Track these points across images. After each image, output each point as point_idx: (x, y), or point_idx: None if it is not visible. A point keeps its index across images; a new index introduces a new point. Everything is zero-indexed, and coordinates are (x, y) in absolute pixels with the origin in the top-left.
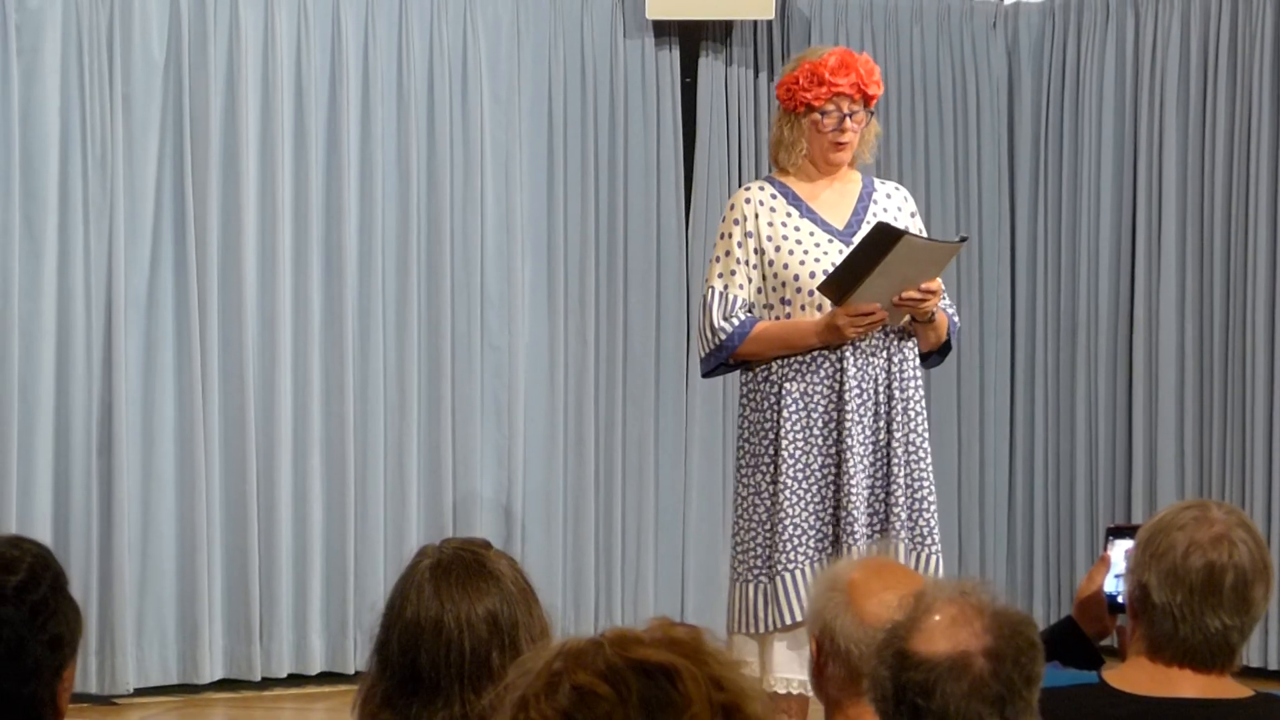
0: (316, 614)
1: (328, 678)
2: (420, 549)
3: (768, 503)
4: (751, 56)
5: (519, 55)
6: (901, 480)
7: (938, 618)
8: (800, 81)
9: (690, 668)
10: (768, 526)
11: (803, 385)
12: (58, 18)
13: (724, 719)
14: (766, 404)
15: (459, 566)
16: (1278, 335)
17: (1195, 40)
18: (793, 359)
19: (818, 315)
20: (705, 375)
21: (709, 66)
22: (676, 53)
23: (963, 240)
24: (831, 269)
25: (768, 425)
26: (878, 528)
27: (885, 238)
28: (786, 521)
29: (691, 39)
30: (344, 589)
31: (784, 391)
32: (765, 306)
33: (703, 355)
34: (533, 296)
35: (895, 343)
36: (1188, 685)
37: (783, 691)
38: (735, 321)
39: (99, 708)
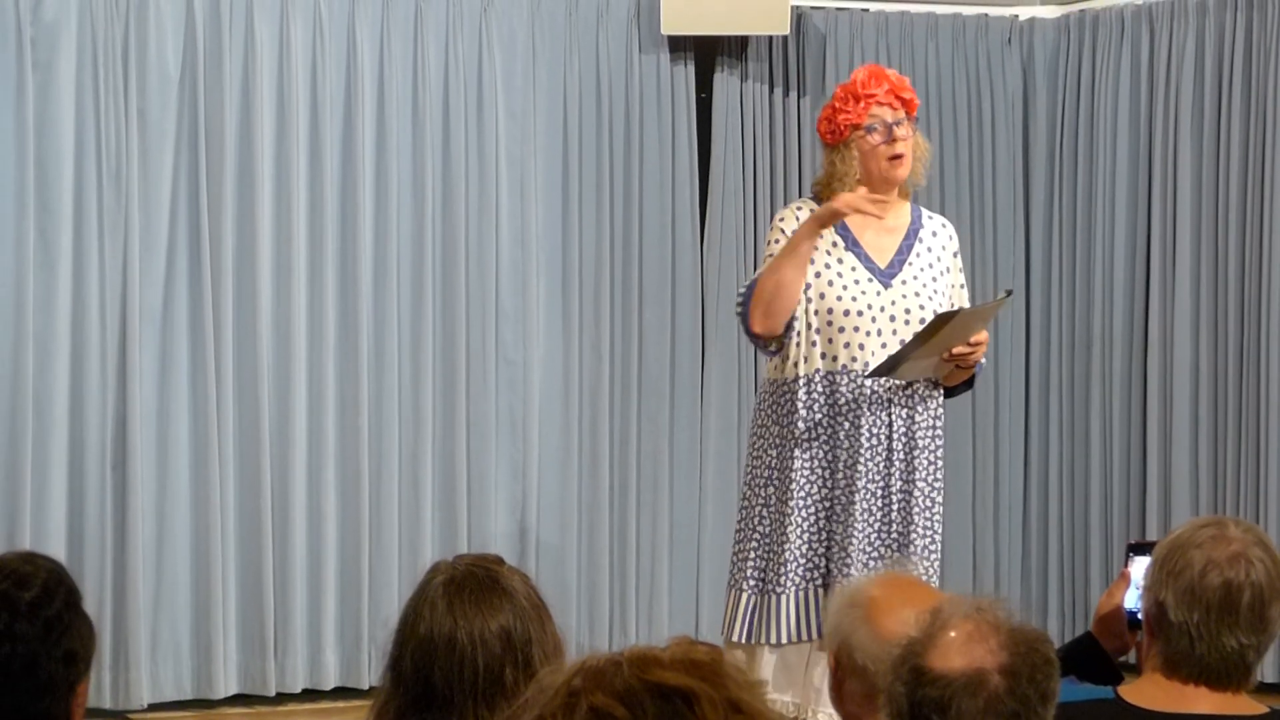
0: (331, 628)
1: (342, 693)
2: (433, 565)
3: (772, 518)
4: (767, 72)
5: (534, 70)
6: (920, 530)
7: (953, 634)
8: (837, 105)
9: (709, 691)
10: (767, 542)
11: (813, 416)
12: (73, 31)
13: None
14: (775, 422)
15: (472, 583)
16: None
17: (1210, 55)
18: (815, 389)
19: (844, 351)
20: (765, 350)
21: (724, 82)
22: (692, 68)
23: (1008, 294)
24: (866, 309)
25: (774, 441)
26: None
27: (939, 321)
28: (792, 542)
29: (707, 54)
30: (358, 603)
31: (795, 415)
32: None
33: (747, 335)
34: (548, 311)
35: (921, 394)
36: (1203, 702)
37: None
38: (744, 286)
39: None
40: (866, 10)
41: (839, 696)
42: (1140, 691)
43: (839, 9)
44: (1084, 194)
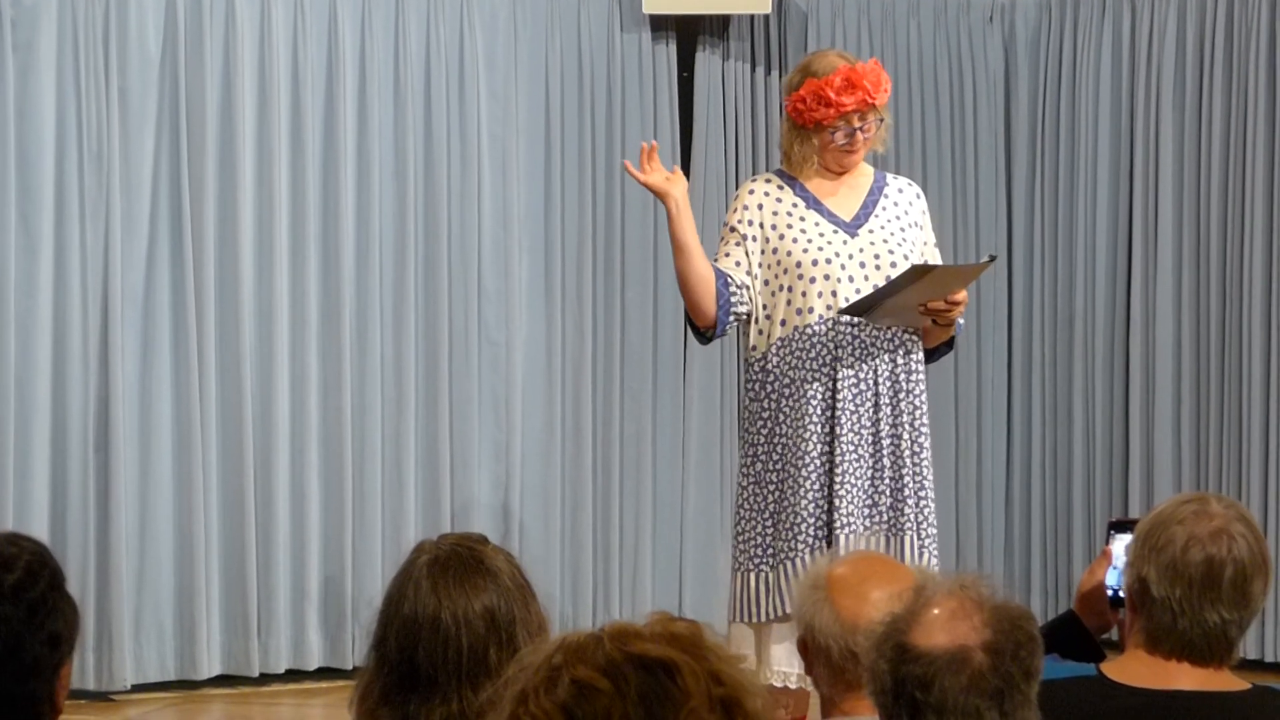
0: (314, 609)
1: (326, 673)
2: (417, 545)
3: (770, 492)
4: (749, 51)
5: (516, 50)
6: (909, 476)
7: (937, 611)
8: (807, 102)
9: (689, 662)
10: (769, 516)
11: (798, 375)
12: (53, 13)
13: (723, 713)
14: (764, 393)
15: (456, 562)
16: (1273, 329)
17: (1191, 34)
18: (786, 352)
19: (818, 300)
20: (703, 342)
21: (706, 61)
22: (674, 47)
23: (991, 259)
24: (834, 256)
25: (765, 414)
26: (886, 521)
27: (916, 272)
28: (789, 510)
29: (689, 33)
30: (341, 584)
31: (780, 380)
32: (766, 284)
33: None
34: (530, 291)
35: (902, 341)
36: (1185, 678)
37: (779, 685)
38: None
39: (96, 704)
40: None
41: (813, 680)
42: (1123, 668)
43: None
44: (1065, 172)
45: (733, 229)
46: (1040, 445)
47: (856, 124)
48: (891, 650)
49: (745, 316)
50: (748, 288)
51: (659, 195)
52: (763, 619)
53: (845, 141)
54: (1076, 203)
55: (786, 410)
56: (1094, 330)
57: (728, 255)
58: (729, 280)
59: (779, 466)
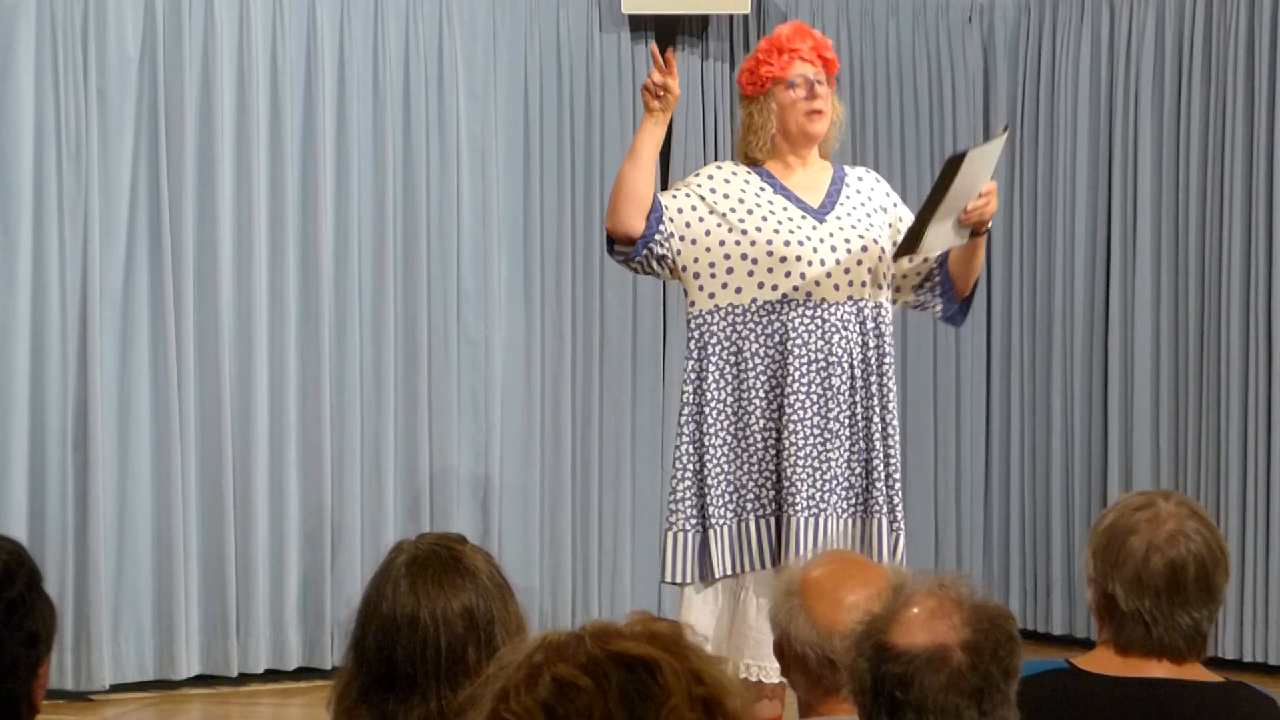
0: (293, 609)
1: (305, 673)
2: (396, 544)
3: (697, 454)
4: (727, 50)
5: (495, 50)
6: (878, 459)
7: (916, 610)
8: (760, 58)
9: (671, 661)
10: (697, 478)
11: (749, 346)
12: (31, 12)
13: (703, 712)
14: (705, 354)
15: (435, 562)
16: (1251, 329)
17: (1170, 35)
18: (740, 323)
19: (785, 280)
20: (618, 257)
21: (685, 60)
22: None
23: (1006, 129)
24: (806, 239)
25: (703, 377)
26: (856, 503)
27: (952, 165)
28: (720, 476)
29: (667, 33)
30: (320, 584)
31: (725, 348)
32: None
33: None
34: (509, 291)
35: (873, 317)
36: (1159, 668)
37: (754, 680)
38: None
39: (75, 704)
40: None
41: (790, 684)
42: (1095, 660)
43: None
44: (1044, 173)
45: (689, 191)
46: (1019, 445)
47: (814, 75)
48: (871, 649)
49: (659, 260)
50: (673, 237)
51: (658, 96)
52: (688, 580)
53: (806, 94)
54: (1055, 203)
55: (729, 378)
56: (1073, 330)
57: (674, 198)
58: (662, 217)
59: (714, 431)
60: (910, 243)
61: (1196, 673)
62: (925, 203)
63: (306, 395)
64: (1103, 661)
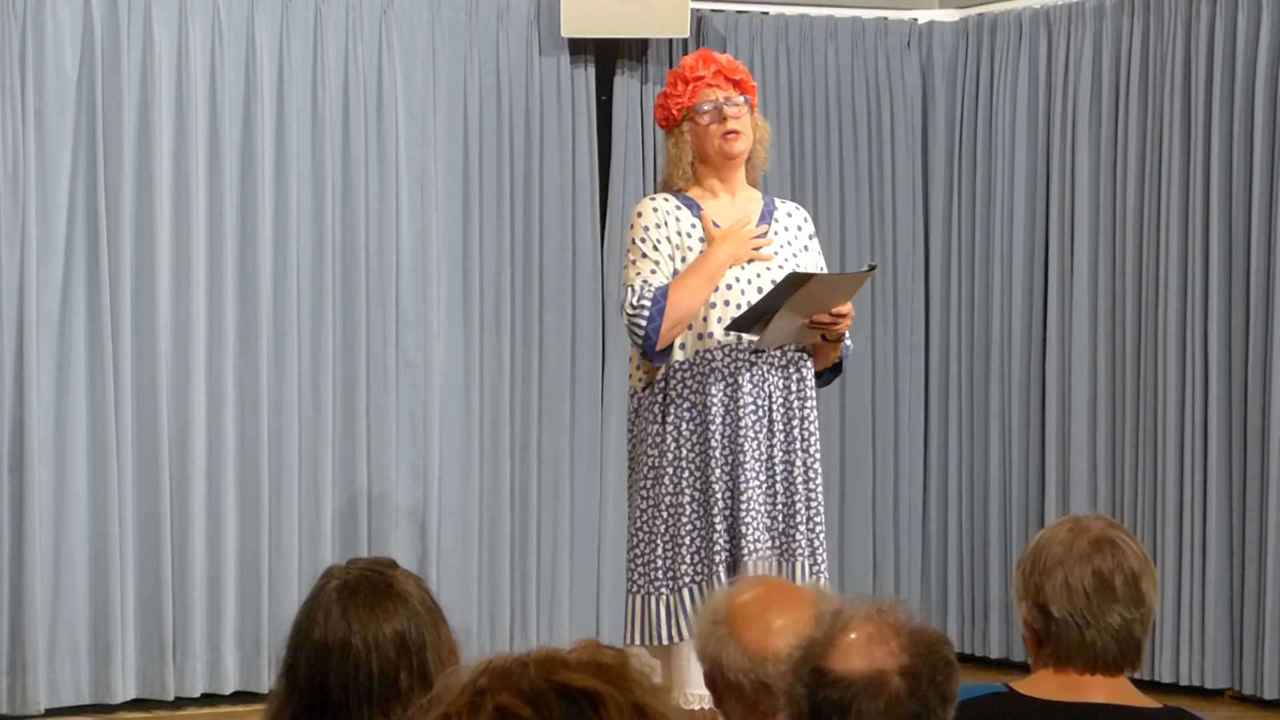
0: (230, 633)
1: (242, 697)
2: (326, 570)
3: (669, 515)
4: (666, 74)
5: (434, 72)
6: (803, 499)
7: (854, 636)
8: (669, 91)
9: (614, 694)
10: (669, 539)
11: (700, 399)
12: None
13: None
14: (664, 415)
15: (366, 587)
16: (1188, 352)
17: (1107, 60)
18: (687, 376)
19: (718, 326)
20: (659, 361)
21: (624, 84)
22: (592, 70)
23: (871, 269)
24: (734, 281)
25: (666, 437)
26: (778, 546)
27: (796, 280)
28: (692, 534)
29: (607, 57)
30: (258, 607)
31: (681, 403)
32: None
33: (643, 348)
34: (448, 313)
35: (794, 362)
36: (1097, 691)
37: (696, 708)
38: (647, 299)
39: None
40: (766, 13)
41: (724, 715)
42: (1034, 684)
43: (739, 11)
44: (983, 196)
45: (644, 255)
46: (957, 468)
47: (721, 99)
48: (808, 674)
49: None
50: None
51: (757, 248)
52: (664, 642)
53: (715, 119)
54: (993, 226)
55: (687, 433)
56: (1011, 353)
57: (653, 272)
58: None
59: (680, 489)
60: (746, 324)
61: (1135, 698)
62: (763, 298)
63: (244, 418)
64: (1041, 685)
